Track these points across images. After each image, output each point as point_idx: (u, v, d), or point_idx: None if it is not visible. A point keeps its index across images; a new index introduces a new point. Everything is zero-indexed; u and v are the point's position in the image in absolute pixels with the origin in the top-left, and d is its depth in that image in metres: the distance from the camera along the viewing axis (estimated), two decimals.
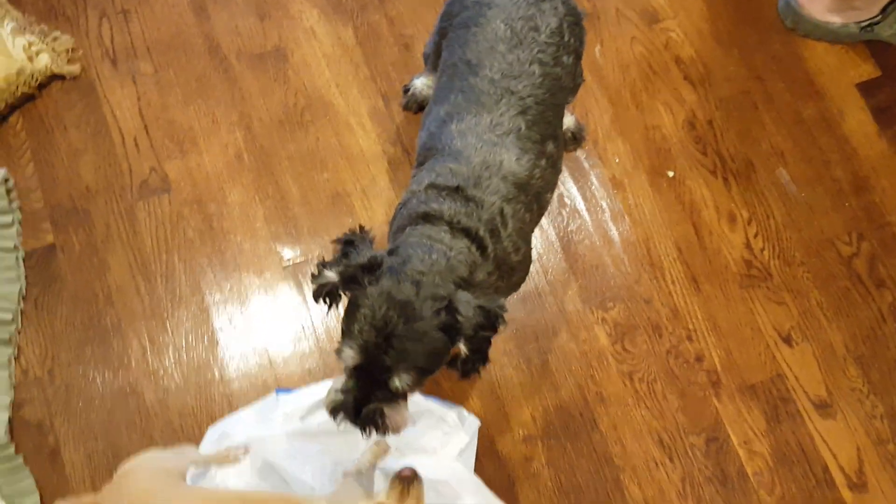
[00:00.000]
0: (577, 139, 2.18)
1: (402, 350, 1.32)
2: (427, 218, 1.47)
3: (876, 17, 2.27)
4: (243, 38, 2.29)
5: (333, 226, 2.12)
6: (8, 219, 2.05)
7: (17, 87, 2.13)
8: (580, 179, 2.19)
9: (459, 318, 1.32)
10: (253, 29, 2.30)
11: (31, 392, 1.96)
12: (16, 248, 2.04)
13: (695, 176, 2.19)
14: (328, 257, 1.45)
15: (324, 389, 1.84)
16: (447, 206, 1.46)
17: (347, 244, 1.41)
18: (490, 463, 1.93)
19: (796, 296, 2.10)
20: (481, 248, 1.45)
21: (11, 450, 1.88)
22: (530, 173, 1.53)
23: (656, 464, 1.95)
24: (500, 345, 2.03)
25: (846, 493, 1.95)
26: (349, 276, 1.37)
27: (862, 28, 2.29)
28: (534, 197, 1.56)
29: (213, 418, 1.94)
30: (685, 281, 2.10)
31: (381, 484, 1.77)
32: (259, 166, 2.16)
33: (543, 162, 1.56)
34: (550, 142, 1.60)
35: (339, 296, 1.42)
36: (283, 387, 1.97)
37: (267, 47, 2.28)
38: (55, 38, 2.21)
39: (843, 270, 2.13)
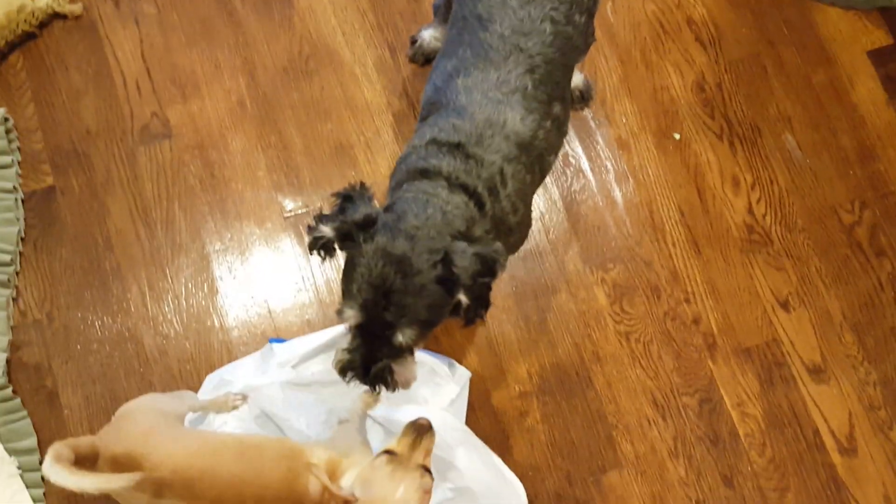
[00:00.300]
0: (585, 98, 2.16)
1: (402, 305, 1.33)
2: (425, 174, 1.46)
3: None
4: None
5: (336, 177, 2.10)
6: (7, 159, 2.03)
7: (18, 25, 2.09)
8: (586, 139, 2.18)
9: (456, 269, 1.32)
10: None
11: (30, 334, 1.96)
12: (15, 189, 2.02)
13: (701, 139, 2.18)
14: (328, 210, 1.45)
15: (316, 339, 1.86)
16: (446, 163, 1.45)
17: (346, 199, 1.41)
18: (485, 417, 1.95)
19: (796, 262, 2.10)
20: (479, 204, 1.44)
21: (9, 391, 1.89)
22: (534, 134, 1.51)
23: (649, 422, 1.98)
24: (499, 301, 2.04)
25: (836, 457, 1.98)
26: (344, 232, 1.37)
27: None
28: (536, 158, 1.54)
29: (211, 366, 1.95)
30: (686, 244, 2.11)
31: (373, 431, 1.79)
32: (262, 114, 2.14)
33: (548, 123, 1.54)
34: (557, 103, 1.57)
35: (334, 249, 1.42)
36: (282, 336, 1.97)
37: None
38: None
39: (844, 238, 2.13)
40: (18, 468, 1.83)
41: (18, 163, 2.06)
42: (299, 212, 2.08)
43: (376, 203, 1.43)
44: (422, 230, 1.35)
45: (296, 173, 2.10)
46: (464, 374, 1.89)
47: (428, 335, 1.42)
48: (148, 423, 1.51)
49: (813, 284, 2.09)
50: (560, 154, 1.89)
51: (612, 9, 2.27)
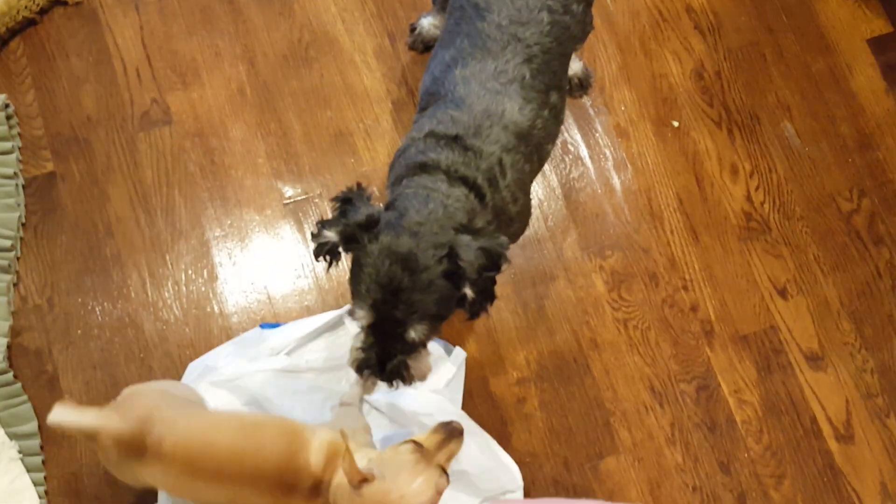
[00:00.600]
0: (583, 85, 2.16)
1: (412, 302, 1.34)
2: (424, 168, 1.46)
3: None
4: None
5: (335, 165, 2.11)
6: (8, 145, 2.03)
7: (19, 11, 2.09)
8: (585, 127, 2.18)
9: (461, 262, 1.33)
10: None
11: (30, 319, 1.97)
12: (16, 174, 2.03)
13: (699, 127, 2.19)
14: (329, 196, 1.46)
15: (309, 324, 1.87)
16: (444, 156, 1.46)
17: (345, 202, 1.42)
18: (483, 404, 1.96)
19: (794, 250, 2.11)
20: (479, 196, 1.45)
21: (10, 376, 1.90)
22: (532, 123, 1.52)
23: (646, 409, 1.98)
24: (497, 289, 2.04)
25: (833, 444, 1.98)
26: (348, 235, 1.38)
27: None
28: (534, 147, 1.55)
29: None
30: (684, 231, 2.11)
31: (371, 417, 1.80)
32: (262, 102, 2.15)
33: (546, 112, 1.55)
34: (555, 92, 1.58)
35: (340, 254, 1.43)
36: (281, 323, 1.98)
37: None
38: None
39: (842, 226, 2.13)
40: (19, 452, 1.84)
41: (19, 149, 2.06)
42: (299, 199, 2.09)
43: (377, 193, 1.44)
44: (425, 226, 1.36)
45: (295, 160, 2.11)
46: (460, 354, 1.89)
47: (439, 328, 1.45)
48: (155, 400, 1.53)
49: (811, 272, 2.10)
50: (558, 142, 1.90)
51: None
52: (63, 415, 1.43)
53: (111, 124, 2.11)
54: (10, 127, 2.06)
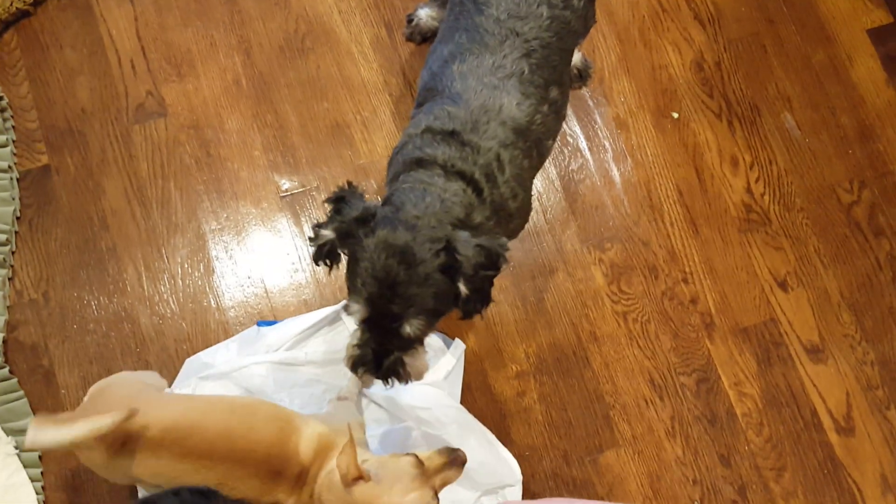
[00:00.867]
0: (583, 76, 2.14)
1: (408, 296, 1.33)
2: (420, 164, 1.45)
3: None
4: None
5: (332, 157, 2.09)
6: (2, 138, 2.01)
7: (12, 3, 2.07)
8: (584, 118, 2.16)
9: (459, 256, 1.32)
10: None
11: (26, 314, 1.96)
12: (10, 168, 2.01)
13: (699, 118, 2.17)
14: (326, 189, 1.45)
15: (307, 320, 1.85)
16: (441, 151, 1.44)
17: (338, 201, 1.40)
18: (482, 397, 1.95)
19: (794, 242, 2.10)
20: (477, 191, 1.44)
21: (6, 371, 1.89)
22: (531, 119, 1.50)
23: (646, 402, 1.98)
24: (496, 282, 2.03)
25: (833, 437, 1.98)
26: (345, 231, 1.37)
27: None
28: (533, 143, 1.53)
29: (208, 346, 1.94)
30: (684, 224, 2.10)
31: (369, 410, 1.79)
32: (258, 93, 2.13)
33: (545, 108, 1.53)
34: (555, 87, 1.56)
35: (339, 255, 1.42)
36: (278, 317, 1.97)
37: None
38: None
39: (843, 218, 2.12)
40: (15, 448, 1.83)
41: (13, 142, 2.04)
42: (296, 191, 2.07)
43: (375, 186, 1.42)
44: (422, 219, 1.35)
45: (292, 153, 2.09)
46: (459, 345, 1.88)
47: (435, 324, 1.43)
48: (132, 390, 1.52)
49: (811, 264, 2.09)
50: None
51: None
52: (40, 437, 1.36)
53: (106, 116, 2.09)
54: (4, 120, 2.04)
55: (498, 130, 1.47)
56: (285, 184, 2.07)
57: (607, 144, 2.15)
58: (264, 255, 2.03)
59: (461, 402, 1.86)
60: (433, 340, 1.86)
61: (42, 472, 1.84)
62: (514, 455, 1.84)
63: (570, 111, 2.16)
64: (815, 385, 2.01)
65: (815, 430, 1.98)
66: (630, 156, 2.14)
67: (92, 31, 2.15)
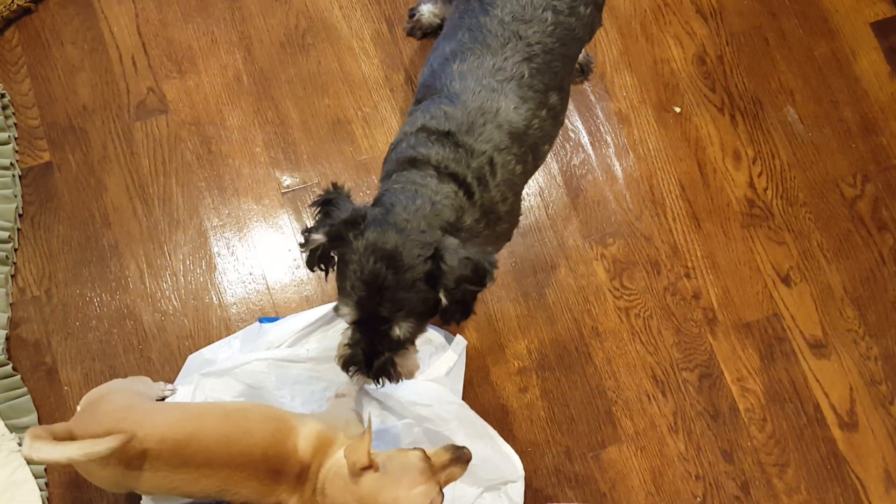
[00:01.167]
0: (584, 71, 2.14)
1: (396, 300, 1.33)
2: (413, 163, 1.44)
3: None
4: None
5: (334, 153, 2.09)
6: (4, 135, 2.02)
7: (13, 0, 2.07)
8: (586, 113, 2.16)
9: (444, 266, 1.31)
10: None
11: (29, 311, 1.96)
12: (12, 165, 2.01)
13: (702, 112, 2.16)
14: (328, 187, 1.44)
15: (308, 317, 1.85)
16: (435, 152, 1.44)
17: (326, 204, 1.40)
18: (485, 393, 1.95)
19: (797, 236, 2.09)
20: (468, 193, 1.43)
21: (9, 368, 1.89)
22: (528, 123, 1.49)
23: (649, 398, 1.97)
24: (498, 278, 2.03)
25: (836, 432, 1.97)
26: (334, 234, 1.37)
27: None
28: (529, 148, 1.52)
29: (210, 342, 1.95)
30: (686, 218, 2.09)
31: (369, 407, 1.79)
32: (258, 89, 2.12)
33: (544, 113, 1.52)
34: (554, 93, 1.54)
35: (333, 259, 1.42)
36: (280, 313, 1.97)
37: None
38: None
39: (846, 212, 2.11)
40: (19, 444, 1.84)
41: (15, 139, 2.05)
42: (297, 188, 2.07)
43: (377, 185, 1.42)
44: (411, 222, 1.35)
45: (293, 149, 2.09)
46: (460, 341, 1.88)
47: (425, 325, 1.43)
48: (125, 401, 1.51)
49: (814, 259, 2.08)
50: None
51: None
52: (35, 452, 1.37)
53: (107, 113, 2.09)
54: (6, 117, 2.04)
55: (494, 133, 1.46)
56: (287, 180, 2.07)
57: (609, 139, 2.14)
58: (266, 251, 2.03)
59: (463, 399, 1.86)
60: (434, 336, 1.86)
61: (45, 469, 1.85)
62: (517, 451, 1.84)
63: (571, 106, 2.15)
64: (818, 380, 2.00)
65: (818, 426, 1.97)
66: (632, 150, 2.13)
67: (93, 27, 2.14)
